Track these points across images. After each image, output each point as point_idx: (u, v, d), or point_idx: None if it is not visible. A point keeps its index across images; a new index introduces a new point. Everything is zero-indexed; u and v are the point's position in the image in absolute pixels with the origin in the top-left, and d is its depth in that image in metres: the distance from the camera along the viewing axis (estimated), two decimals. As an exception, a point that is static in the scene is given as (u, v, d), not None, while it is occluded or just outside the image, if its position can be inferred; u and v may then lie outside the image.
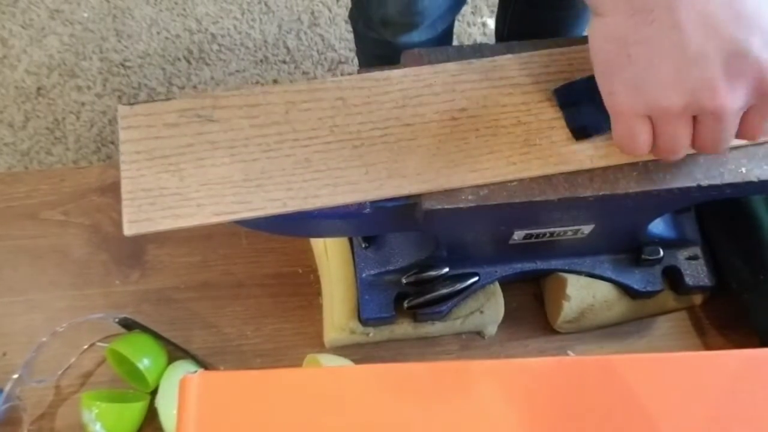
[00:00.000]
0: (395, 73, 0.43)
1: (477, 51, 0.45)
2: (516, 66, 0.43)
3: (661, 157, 0.39)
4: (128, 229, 0.39)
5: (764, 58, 0.34)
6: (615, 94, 0.37)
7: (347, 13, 1.47)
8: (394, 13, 0.78)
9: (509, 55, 0.44)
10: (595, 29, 0.37)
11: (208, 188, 0.40)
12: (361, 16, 0.87)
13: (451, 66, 0.44)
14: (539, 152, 0.41)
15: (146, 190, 0.40)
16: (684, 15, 0.34)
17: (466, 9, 1.44)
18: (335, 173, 0.41)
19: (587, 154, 0.41)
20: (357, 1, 0.87)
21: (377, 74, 0.43)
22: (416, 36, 0.81)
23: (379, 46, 0.87)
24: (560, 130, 0.42)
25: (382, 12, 0.79)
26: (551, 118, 0.42)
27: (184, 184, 0.40)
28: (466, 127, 0.42)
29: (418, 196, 0.41)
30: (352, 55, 1.44)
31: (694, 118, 0.36)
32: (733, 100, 0.34)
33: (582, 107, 0.41)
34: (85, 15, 1.48)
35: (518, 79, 0.43)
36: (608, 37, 0.36)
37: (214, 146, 0.41)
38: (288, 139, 0.41)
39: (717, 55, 0.34)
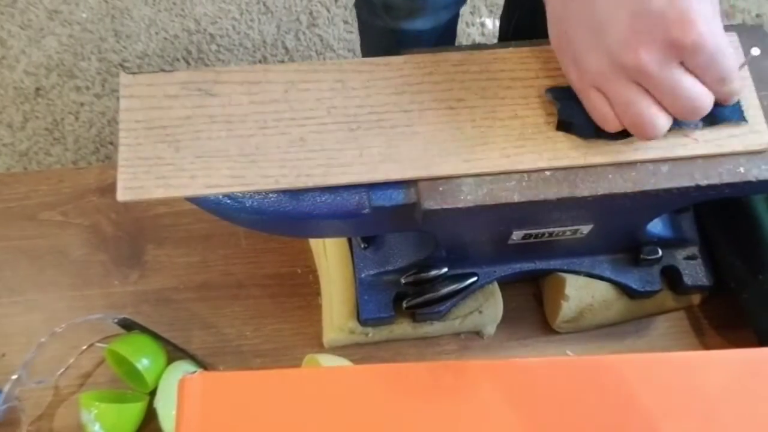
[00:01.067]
0: (396, 59, 0.44)
1: (475, 50, 0.45)
2: (517, 60, 0.44)
3: (637, 133, 0.40)
4: (122, 196, 0.39)
5: (668, 14, 0.36)
6: (567, 73, 0.41)
7: (347, 13, 1.47)
8: None
9: (511, 48, 0.44)
10: (547, 16, 0.41)
11: (203, 161, 0.40)
12: (365, 2, 0.87)
13: (452, 56, 0.44)
14: (534, 146, 0.41)
15: (142, 159, 0.40)
16: None
17: (464, 9, 1.44)
18: (329, 154, 0.41)
19: (581, 152, 0.41)
20: None
21: (378, 59, 0.43)
22: (420, 23, 0.81)
23: (383, 35, 0.87)
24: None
25: None
26: (548, 113, 0.42)
27: (180, 155, 0.40)
28: (462, 117, 0.42)
29: (418, 196, 0.41)
30: (351, 55, 1.44)
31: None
32: (649, 53, 0.36)
33: (574, 104, 0.42)
34: (84, 15, 1.48)
35: (518, 72, 0.43)
36: (552, 21, 0.41)
37: (212, 120, 0.41)
38: (285, 118, 0.42)
39: (623, 16, 0.37)
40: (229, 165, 0.40)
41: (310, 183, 0.40)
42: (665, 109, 0.39)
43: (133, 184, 0.40)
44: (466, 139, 0.42)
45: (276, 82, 0.42)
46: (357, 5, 0.91)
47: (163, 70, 0.42)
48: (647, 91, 0.38)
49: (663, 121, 0.39)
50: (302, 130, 0.41)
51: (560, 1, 0.39)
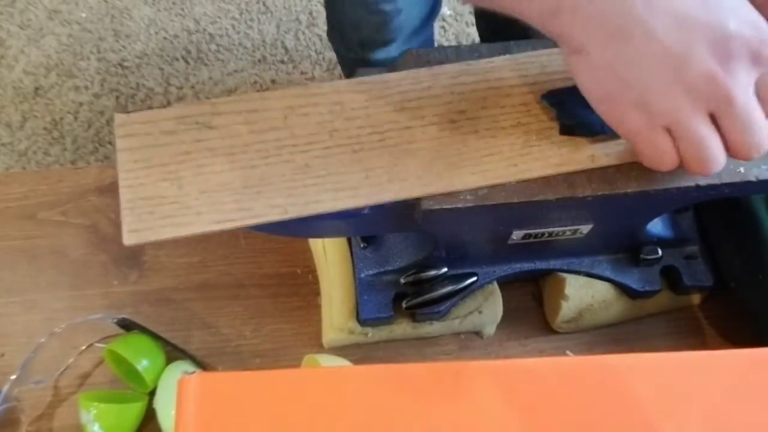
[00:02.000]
0: (393, 76, 0.43)
1: (475, 51, 0.45)
2: (514, 67, 0.44)
3: (698, 170, 0.38)
4: (128, 239, 0.38)
5: (744, 33, 0.35)
6: (625, 119, 0.37)
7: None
8: (370, 34, 0.80)
9: (507, 56, 0.44)
10: (578, 68, 0.37)
11: (208, 196, 0.39)
12: (339, 39, 0.88)
13: (449, 68, 0.43)
14: (539, 153, 0.41)
15: (145, 199, 0.39)
16: (656, 22, 0.35)
17: (464, 9, 1.44)
18: (335, 178, 0.40)
19: (588, 154, 0.41)
20: (333, 25, 0.89)
21: (375, 78, 0.43)
22: (394, 51, 0.82)
23: (361, 65, 0.87)
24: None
25: (357, 35, 0.82)
26: (551, 118, 0.42)
27: (183, 192, 0.39)
28: (465, 129, 0.42)
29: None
30: (351, 55, 1.44)
31: (716, 123, 0.36)
32: (734, 79, 0.35)
33: (573, 106, 0.41)
34: (83, 15, 1.48)
35: (516, 80, 0.43)
36: (596, 70, 0.37)
37: (212, 153, 0.40)
38: (287, 145, 0.41)
39: (701, 45, 0.34)
40: (236, 198, 0.40)
41: (320, 209, 0.40)
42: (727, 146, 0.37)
43: (139, 227, 0.39)
44: (471, 151, 0.41)
45: (274, 109, 0.42)
46: (331, 39, 0.92)
47: (155, 107, 0.41)
48: (717, 127, 0.36)
49: (723, 160, 0.37)
50: (306, 156, 0.41)
51: (606, 46, 0.36)
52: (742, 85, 0.35)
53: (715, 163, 0.37)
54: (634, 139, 0.38)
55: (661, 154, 0.38)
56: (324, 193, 0.40)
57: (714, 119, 0.36)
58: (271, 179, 0.40)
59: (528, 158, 0.41)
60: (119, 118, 0.41)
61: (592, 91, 0.38)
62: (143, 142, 0.41)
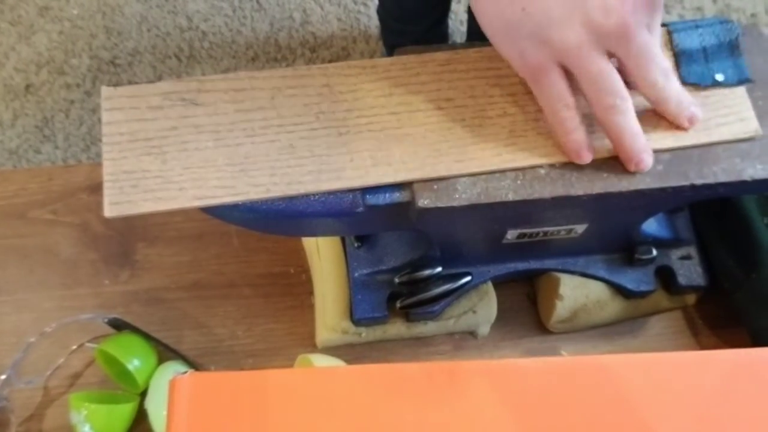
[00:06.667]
0: (382, 62, 0.43)
1: (470, 48, 0.45)
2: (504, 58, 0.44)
3: (598, 102, 0.39)
4: (109, 211, 0.39)
5: None
6: (524, 53, 0.39)
7: (340, 10, 1.47)
8: None
9: None
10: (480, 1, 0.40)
11: (191, 172, 0.40)
12: None
13: (438, 56, 0.43)
14: (525, 143, 0.41)
15: (128, 173, 0.40)
16: None
17: (459, 8, 1.44)
18: (320, 160, 0.40)
19: None
20: None
21: (364, 62, 0.43)
22: None
23: None
24: (546, 123, 0.42)
25: None
26: (537, 110, 0.42)
27: (167, 167, 0.40)
28: (452, 117, 0.42)
29: (412, 195, 0.41)
30: (345, 53, 1.44)
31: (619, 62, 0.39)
32: (633, 15, 0.37)
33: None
34: (75, 12, 1.47)
35: (505, 70, 0.43)
36: (498, 1, 0.39)
37: (198, 130, 0.41)
38: (273, 125, 0.41)
39: None
40: (218, 175, 0.40)
41: (302, 190, 0.40)
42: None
43: (120, 199, 0.39)
44: (456, 139, 0.41)
45: (262, 88, 0.42)
46: None
47: (143, 82, 0.42)
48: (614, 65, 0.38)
49: (625, 93, 0.39)
50: (291, 136, 0.41)
51: None
52: (640, 22, 0.37)
53: (615, 95, 0.39)
54: (534, 76, 0.39)
55: (560, 94, 0.39)
56: (307, 174, 0.40)
57: (613, 56, 0.39)
58: (255, 158, 0.40)
59: (513, 148, 0.41)
60: (106, 91, 0.41)
61: (492, 23, 0.39)
62: (129, 116, 0.41)
